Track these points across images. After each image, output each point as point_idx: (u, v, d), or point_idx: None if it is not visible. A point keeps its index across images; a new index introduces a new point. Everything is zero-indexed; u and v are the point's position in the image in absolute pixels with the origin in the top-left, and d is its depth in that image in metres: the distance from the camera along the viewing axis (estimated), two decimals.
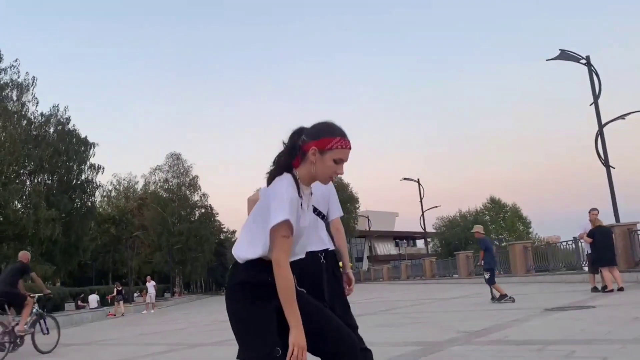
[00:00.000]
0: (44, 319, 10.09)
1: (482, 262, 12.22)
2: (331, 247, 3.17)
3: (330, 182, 3.25)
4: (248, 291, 2.09)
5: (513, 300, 11.22)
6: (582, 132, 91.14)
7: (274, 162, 2.22)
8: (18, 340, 9.21)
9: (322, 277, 2.98)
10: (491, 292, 12.00)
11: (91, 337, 11.96)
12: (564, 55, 17.11)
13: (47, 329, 10.10)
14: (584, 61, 17.17)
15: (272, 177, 2.18)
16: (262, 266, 2.09)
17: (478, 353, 5.11)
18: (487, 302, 11.41)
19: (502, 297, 11.88)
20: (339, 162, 2.17)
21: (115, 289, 28.72)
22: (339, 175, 2.26)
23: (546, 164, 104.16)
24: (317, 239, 3.08)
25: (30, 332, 9.54)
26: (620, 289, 10.97)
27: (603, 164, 16.60)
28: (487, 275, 12.36)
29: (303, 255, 2.28)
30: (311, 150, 2.14)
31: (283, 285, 2.00)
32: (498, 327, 7.01)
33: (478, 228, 12.73)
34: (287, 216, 2.00)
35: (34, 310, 9.73)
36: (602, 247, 11.32)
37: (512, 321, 7.47)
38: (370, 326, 8.00)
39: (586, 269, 14.23)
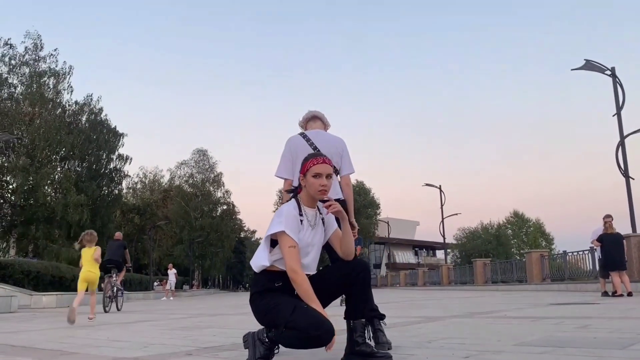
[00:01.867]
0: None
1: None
2: (342, 197, 3.67)
3: (344, 142, 3.73)
4: (264, 293, 2.70)
5: None
6: (603, 144, 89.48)
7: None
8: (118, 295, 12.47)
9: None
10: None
11: (128, 308, 12.55)
12: (589, 65, 17.20)
13: (122, 292, 13.19)
14: (608, 72, 17.29)
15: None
16: (270, 275, 2.70)
17: (478, 321, 5.47)
18: (497, 298, 11.67)
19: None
20: (318, 176, 2.73)
21: None
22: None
23: (568, 178, 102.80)
24: (332, 192, 3.56)
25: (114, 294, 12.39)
26: (630, 294, 11.11)
27: (623, 174, 16.70)
28: None
29: (312, 272, 2.82)
30: (300, 177, 2.81)
31: (302, 288, 2.60)
32: (501, 310, 7.35)
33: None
34: (284, 228, 2.62)
35: None
36: (611, 252, 11.48)
37: (514, 308, 7.80)
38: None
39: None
